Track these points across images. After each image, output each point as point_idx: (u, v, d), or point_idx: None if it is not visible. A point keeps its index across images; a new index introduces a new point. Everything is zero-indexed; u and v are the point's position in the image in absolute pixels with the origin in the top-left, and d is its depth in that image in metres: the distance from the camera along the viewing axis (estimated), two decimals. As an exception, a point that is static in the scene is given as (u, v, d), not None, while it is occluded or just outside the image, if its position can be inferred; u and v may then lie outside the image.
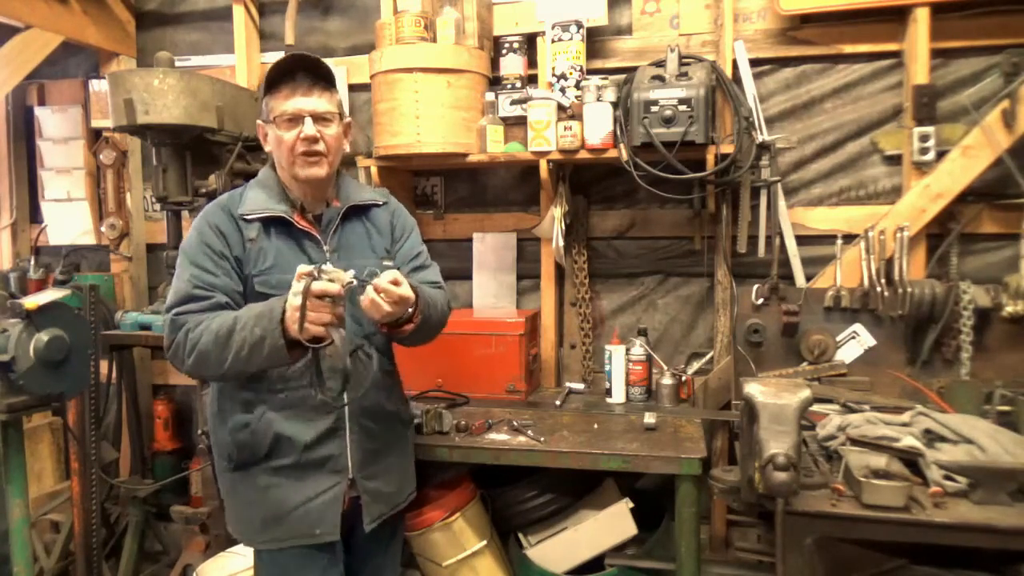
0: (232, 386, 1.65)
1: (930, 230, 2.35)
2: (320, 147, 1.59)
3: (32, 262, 3.07)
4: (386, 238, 1.77)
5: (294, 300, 1.39)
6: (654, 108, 2.21)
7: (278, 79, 1.61)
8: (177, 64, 2.41)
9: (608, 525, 2.23)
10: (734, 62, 2.48)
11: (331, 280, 1.39)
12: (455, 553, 2.17)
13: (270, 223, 1.62)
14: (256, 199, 1.64)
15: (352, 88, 2.87)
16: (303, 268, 1.40)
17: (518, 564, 2.28)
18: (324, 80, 1.62)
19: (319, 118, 1.59)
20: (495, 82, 2.60)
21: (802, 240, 2.49)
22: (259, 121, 1.66)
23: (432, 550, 2.19)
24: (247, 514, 1.66)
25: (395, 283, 1.45)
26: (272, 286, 1.58)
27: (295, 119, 1.58)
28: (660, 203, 2.62)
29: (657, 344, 2.66)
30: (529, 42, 2.61)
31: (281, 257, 1.61)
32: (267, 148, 1.66)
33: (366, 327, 1.67)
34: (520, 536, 2.32)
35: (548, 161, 2.45)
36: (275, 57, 2.98)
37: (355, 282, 1.42)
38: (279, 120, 1.59)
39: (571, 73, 2.47)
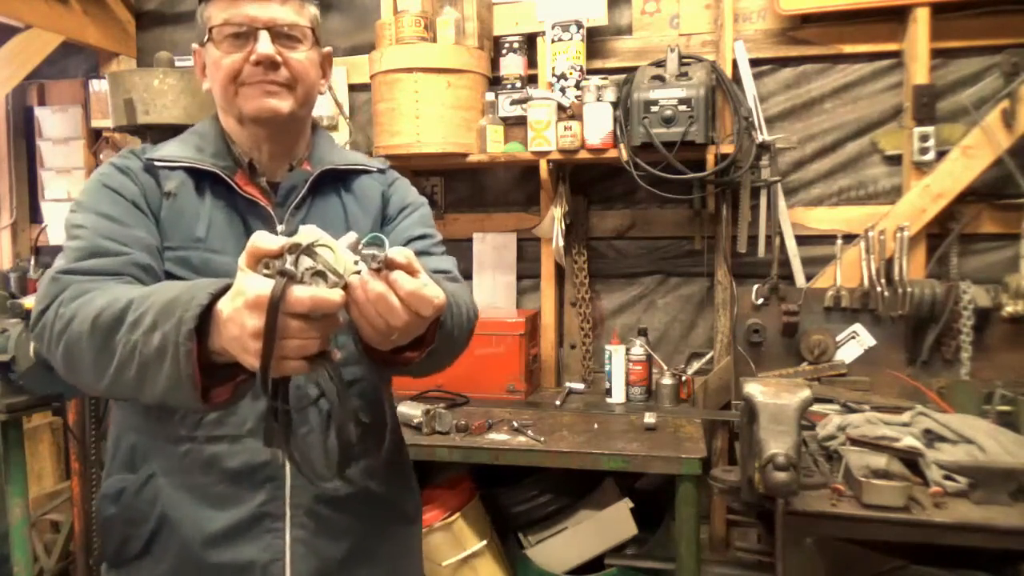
0: (125, 409, 1.11)
1: (930, 230, 2.35)
2: (281, 75, 1.06)
3: (32, 262, 3.06)
4: (373, 217, 1.21)
5: (247, 318, 0.72)
6: (654, 108, 2.21)
7: None
8: (177, 64, 2.41)
9: (608, 525, 2.23)
10: (734, 62, 2.48)
11: (324, 271, 0.73)
12: (455, 553, 2.17)
13: (201, 178, 1.09)
14: (179, 149, 1.12)
15: (352, 88, 2.86)
16: (263, 241, 0.73)
17: (518, 564, 2.28)
18: None
19: (280, 33, 1.05)
20: (495, 82, 2.60)
21: (802, 240, 2.49)
22: (193, 45, 1.13)
23: (432, 550, 2.19)
24: None
25: (408, 270, 0.79)
26: (193, 267, 1.04)
27: (243, 34, 1.04)
28: (660, 203, 2.62)
29: (657, 344, 2.66)
30: (529, 42, 2.61)
31: (213, 229, 1.07)
32: (204, 86, 1.13)
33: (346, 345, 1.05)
34: (520, 536, 2.32)
35: (548, 161, 2.45)
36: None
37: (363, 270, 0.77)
38: (217, 34, 1.05)
39: (571, 73, 2.47)
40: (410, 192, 1.30)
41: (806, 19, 2.46)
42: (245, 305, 0.71)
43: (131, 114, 2.23)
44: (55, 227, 3.26)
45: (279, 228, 1.09)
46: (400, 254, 0.78)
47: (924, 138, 2.30)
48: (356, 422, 0.82)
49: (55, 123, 3.22)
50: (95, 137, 3.19)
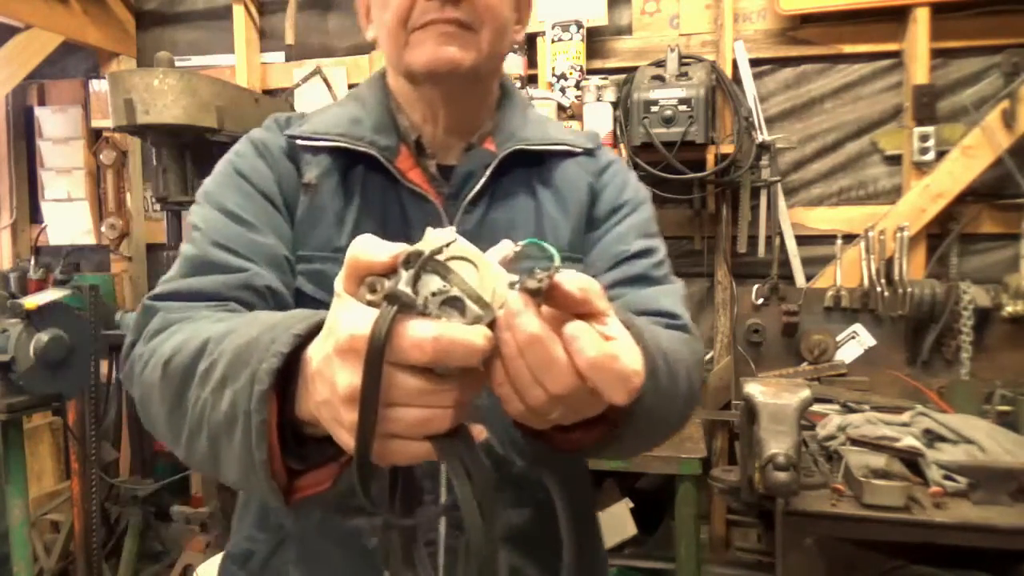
0: None
1: (930, 230, 2.35)
2: (463, 11, 0.79)
3: (32, 262, 3.06)
4: (576, 216, 0.90)
5: (338, 371, 0.46)
6: (654, 108, 2.21)
7: None
8: (177, 64, 2.41)
9: (608, 525, 2.23)
10: (734, 62, 2.48)
11: (460, 297, 0.46)
12: (455, 553, 2.17)
13: (352, 162, 0.86)
14: (331, 119, 0.88)
15: (352, 88, 2.86)
16: (367, 250, 0.47)
17: (518, 564, 2.28)
18: None
19: None
20: (495, 82, 2.59)
21: (802, 240, 2.49)
22: None
23: (432, 550, 2.19)
24: None
25: (584, 309, 0.49)
26: (332, 286, 0.53)
27: None
28: (660, 203, 2.61)
29: (657, 344, 2.66)
30: (529, 42, 2.61)
31: (359, 232, 0.60)
32: (369, 34, 0.90)
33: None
34: (520, 536, 2.32)
35: (548, 161, 2.45)
36: (275, 57, 2.98)
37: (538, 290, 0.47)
38: None
39: (571, 73, 2.47)
40: (628, 183, 0.97)
41: (806, 19, 2.45)
42: (336, 351, 0.46)
43: (131, 114, 2.23)
44: (55, 227, 3.26)
45: (448, 227, 0.76)
46: (574, 283, 0.48)
47: (924, 138, 2.30)
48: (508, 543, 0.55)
49: (55, 123, 3.22)
50: (95, 137, 3.19)
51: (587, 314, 0.49)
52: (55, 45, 2.91)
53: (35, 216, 3.32)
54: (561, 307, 0.48)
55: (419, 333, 0.43)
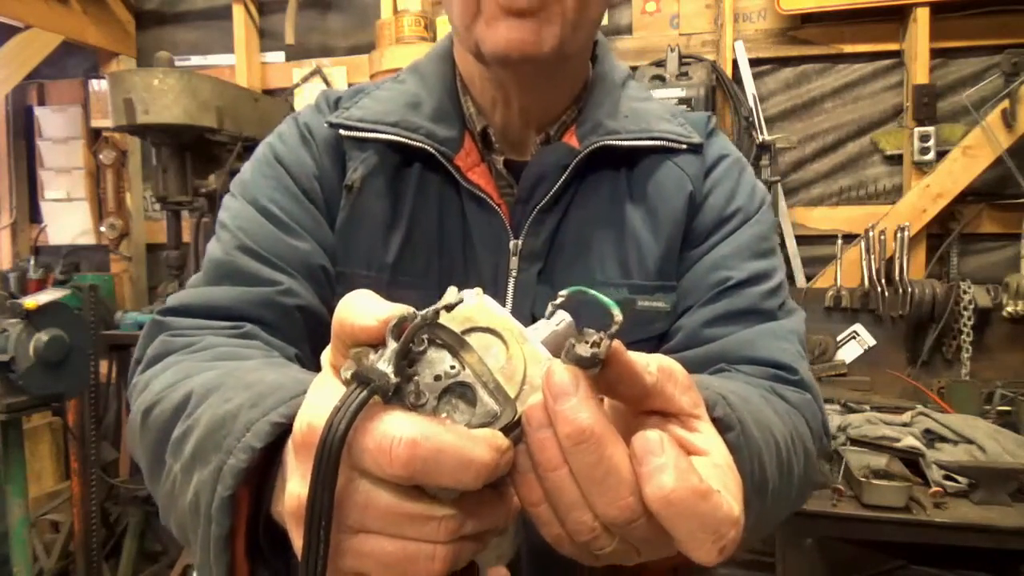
0: None
1: (930, 230, 2.35)
2: None
3: (32, 262, 3.06)
4: (670, 233, 0.73)
5: (293, 477, 0.35)
6: (654, 108, 2.21)
7: None
8: (177, 64, 2.41)
9: (608, 525, 2.23)
10: (734, 62, 2.47)
11: (472, 386, 0.34)
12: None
13: (402, 160, 0.72)
14: (385, 102, 0.73)
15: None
16: (354, 310, 0.35)
17: (518, 564, 2.28)
18: None
19: None
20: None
21: (802, 240, 2.48)
22: None
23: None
24: None
25: (672, 411, 0.37)
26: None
27: None
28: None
29: (657, 344, 2.66)
30: (529, 42, 2.61)
31: (414, 246, 0.71)
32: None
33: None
34: (520, 536, 2.32)
35: (548, 161, 2.45)
36: (275, 57, 2.98)
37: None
38: None
39: (571, 73, 2.46)
40: (740, 187, 0.76)
41: (806, 19, 2.45)
42: (292, 444, 0.37)
43: (131, 114, 2.23)
44: (55, 227, 3.26)
45: (512, 243, 0.69)
46: (646, 359, 0.36)
47: (924, 138, 2.30)
48: None
49: (55, 123, 3.22)
50: (95, 137, 3.19)
51: (664, 413, 0.36)
52: (55, 45, 2.91)
53: (35, 216, 3.31)
54: (624, 397, 0.35)
55: (392, 432, 0.31)
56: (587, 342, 0.33)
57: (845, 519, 1.54)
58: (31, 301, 1.92)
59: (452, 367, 0.34)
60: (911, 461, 1.69)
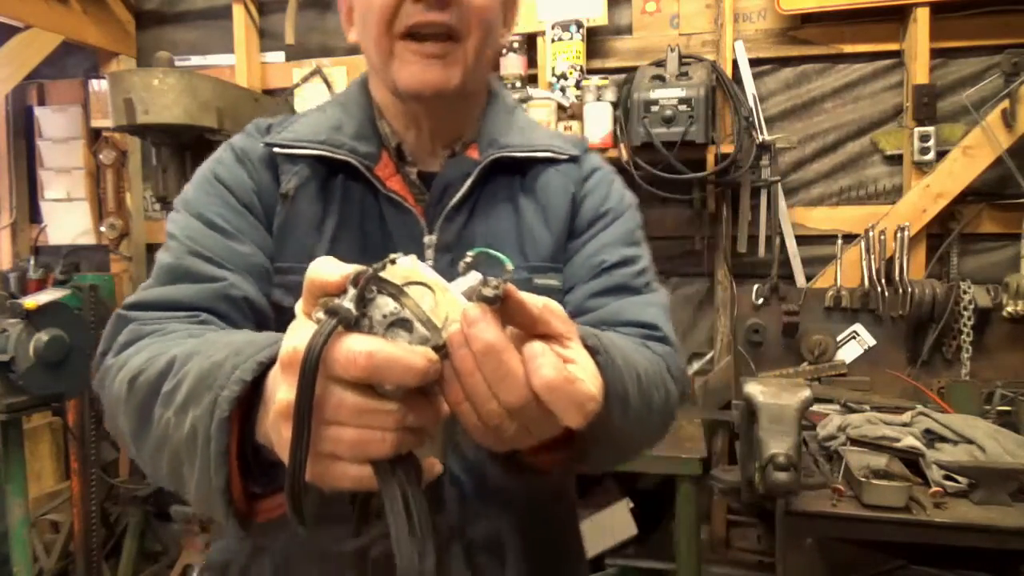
0: None
1: (930, 230, 2.35)
2: (450, 18, 0.76)
3: (32, 262, 3.06)
4: (558, 227, 0.89)
5: (280, 388, 0.47)
6: (654, 108, 2.21)
7: None
8: (177, 64, 2.41)
9: (608, 525, 2.23)
10: (734, 62, 2.48)
11: (409, 320, 0.47)
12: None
13: (329, 172, 0.85)
14: (312, 125, 0.86)
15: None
16: (321, 270, 0.47)
17: (518, 564, 2.28)
18: None
19: None
20: (495, 82, 2.59)
21: (802, 240, 2.49)
22: None
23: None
24: None
25: (552, 333, 0.51)
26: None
27: None
28: (660, 203, 2.61)
29: (657, 344, 2.66)
30: (529, 42, 2.61)
31: (341, 243, 0.83)
32: (350, 36, 0.87)
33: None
34: (520, 536, 2.32)
35: (548, 161, 2.45)
36: (275, 57, 2.98)
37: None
38: None
39: (571, 73, 2.46)
40: (612, 191, 0.93)
41: (806, 19, 2.45)
42: (279, 366, 0.47)
43: (131, 114, 2.23)
44: (55, 227, 3.26)
45: (427, 238, 0.83)
46: (532, 298, 0.49)
47: (924, 138, 2.30)
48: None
49: (55, 123, 3.22)
50: (95, 137, 3.19)
51: (548, 335, 0.50)
52: (55, 45, 2.91)
53: (35, 216, 3.31)
54: (519, 325, 0.49)
55: (354, 347, 0.43)
56: (491, 286, 0.47)
57: (845, 519, 1.54)
58: (31, 301, 1.92)
59: (395, 308, 0.46)
60: (911, 461, 1.69)
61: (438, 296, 0.47)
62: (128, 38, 3.07)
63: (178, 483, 0.60)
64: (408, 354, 0.44)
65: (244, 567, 0.84)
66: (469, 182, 0.84)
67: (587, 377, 0.49)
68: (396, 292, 0.46)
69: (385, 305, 0.46)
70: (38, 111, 3.23)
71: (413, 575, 0.45)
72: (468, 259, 0.52)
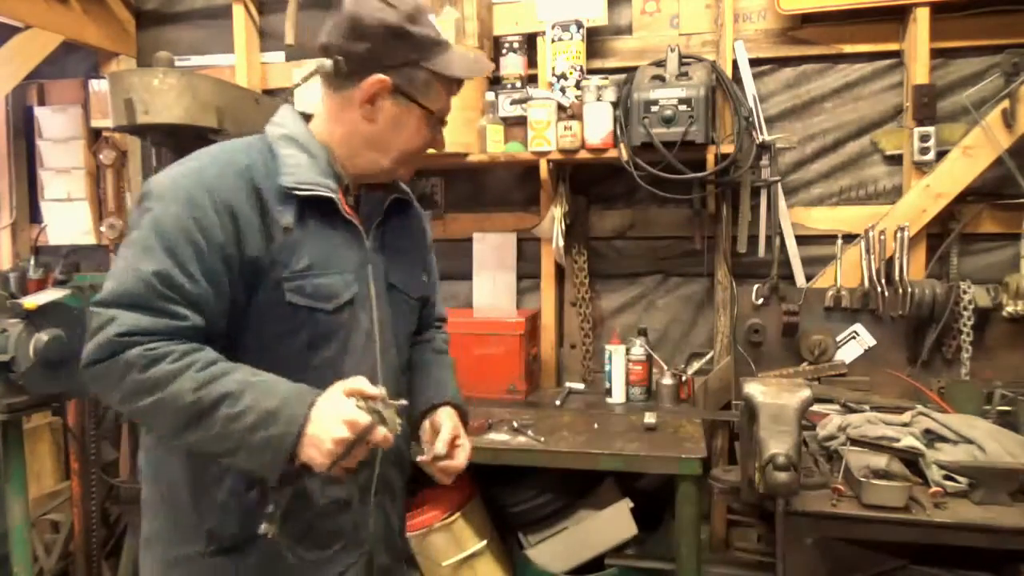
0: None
1: (930, 230, 2.35)
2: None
3: (32, 262, 3.06)
4: (423, 247, 1.43)
5: (337, 431, 0.96)
6: (654, 108, 2.21)
7: (462, 63, 1.18)
8: (177, 64, 2.40)
9: (608, 525, 2.23)
10: (734, 62, 2.48)
11: (386, 421, 1.02)
12: (455, 553, 2.17)
13: (310, 205, 1.13)
14: (300, 167, 1.14)
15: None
16: (367, 386, 1.02)
17: (518, 564, 2.28)
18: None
19: None
20: (495, 82, 2.60)
21: (802, 240, 2.49)
22: (381, 76, 1.13)
23: (432, 550, 2.19)
24: None
25: (451, 447, 1.25)
26: (307, 295, 1.11)
27: (443, 120, 1.23)
28: (660, 203, 2.62)
29: (657, 344, 2.66)
30: (529, 42, 2.61)
31: (320, 256, 1.13)
32: (358, 111, 1.16)
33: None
34: (520, 536, 2.32)
35: (548, 161, 2.45)
36: (275, 57, 2.98)
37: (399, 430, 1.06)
38: (439, 111, 1.20)
39: (571, 73, 2.46)
40: (429, 226, 1.50)
41: (806, 19, 2.46)
42: (343, 420, 0.98)
43: (131, 114, 2.23)
44: (55, 227, 3.26)
45: (367, 244, 1.22)
46: (442, 441, 1.25)
47: (924, 138, 2.30)
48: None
49: (55, 123, 3.22)
50: (95, 137, 3.19)
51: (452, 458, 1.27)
52: (55, 45, 2.91)
53: (35, 216, 3.31)
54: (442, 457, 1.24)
55: (381, 434, 1.01)
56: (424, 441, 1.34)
57: (845, 519, 1.54)
58: (31, 301, 1.92)
59: (381, 411, 1.03)
60: (911, 461, 1.69)
61: (393, 415, 1.04)
62: (128, 38, 3.07)
63: (224, 453, 1.01)
64: (388, 439, 1.03)
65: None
66: (384, 209, 1.26)
67: (462, 457, 1.28)
68: (388, 407, 1.04)
69: (386, 410, 1.04)
70: (38, 111, 3.23)
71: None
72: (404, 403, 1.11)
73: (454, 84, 1.20)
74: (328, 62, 1.17)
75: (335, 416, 0.97)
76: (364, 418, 0.98)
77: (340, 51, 1.16)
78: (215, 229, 1.04)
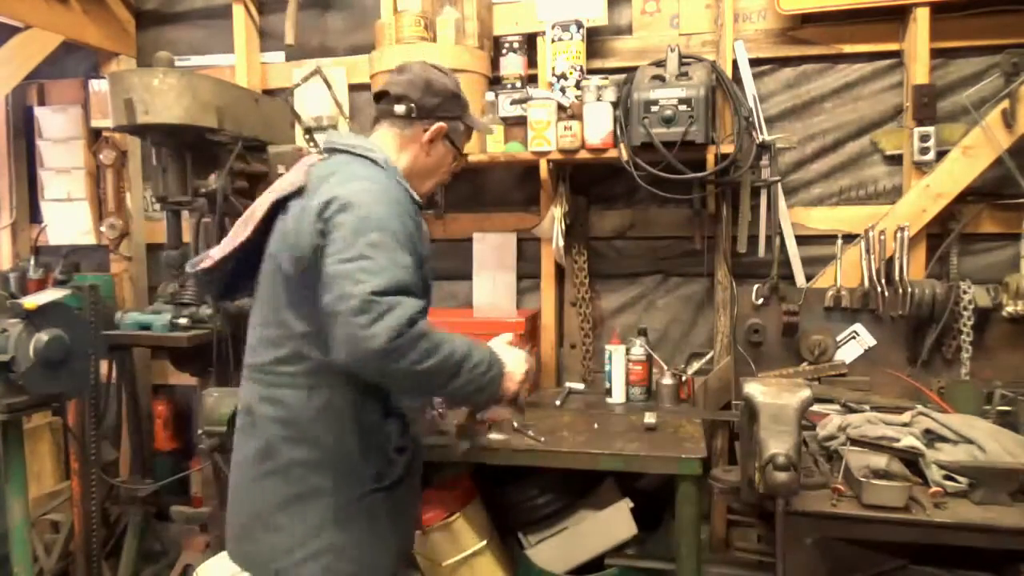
0: (385, 394, 1.49)
1: (930, 230, 2.35)
2: None
3: (32, 262, 3.06)
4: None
5: (521, 368, 1.51)
6: (654, 108, 2.21)
7: (482, 121, 1.81)
8: (177, 64, 2.41)
9: (608, 525, 2.23)
10: (734, 62, 2.48)
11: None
12: (455, 553, 2.17)
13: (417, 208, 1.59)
14: (410, 187, 1.58)
15: (352, 88, 2.86)
16: (510, 340, 1.61)
17: (518, 564, 2.28)
18: None
19: None
20: (495, 82, 2.60)
21: (802, 240, 2.49)
22: (442, 124, 1.58)
23: (432, 550, 2.19)
24: (385, 543, 1.52)
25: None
26: (431, 276, 1.58)
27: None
28: (660, 203, 2.62)
29: (657, 344, 2.66)
30: (529, 42, 2.61)
31: (425, 246, 1.53)
32: (420, 146, 1.58)
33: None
34: (520, 536, 2.32)
35: (548, 161, 2.45)
36: (275, 57, 2.98)
37: None
38: (459, 153, 1.67)
39: (571, 73, 2.46)
40: None
41: (806, 19, 2.46)
42: (523, 359, 1.53)
43: (131, 114, 2.23)
44: (55, 227, 3.26)
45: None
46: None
47: (924, 138, 2.30)
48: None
49: (55, 123, 3.22)
50: (95, 137, 3.19)
51: None
52: (55, 45, 2.91)
53: (35, 216, 3.32)
54: None
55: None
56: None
57: (845, 519, 1.54)
58: (31, 301, 1.92)
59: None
60: (911, 461, 1.69)
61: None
62: (128, 38, 3.08)
63: (466, 397, 1.48)
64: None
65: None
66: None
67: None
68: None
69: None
70: (38, 111, 3.23)
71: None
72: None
73: (469, 135, 1.70)
74: (402, 107, 1.54)
75: (518, 358, 1.51)
76: (530, 359, 1.54)
77: (414, 102, 1.54)
78: (416, 238, 1.44)
